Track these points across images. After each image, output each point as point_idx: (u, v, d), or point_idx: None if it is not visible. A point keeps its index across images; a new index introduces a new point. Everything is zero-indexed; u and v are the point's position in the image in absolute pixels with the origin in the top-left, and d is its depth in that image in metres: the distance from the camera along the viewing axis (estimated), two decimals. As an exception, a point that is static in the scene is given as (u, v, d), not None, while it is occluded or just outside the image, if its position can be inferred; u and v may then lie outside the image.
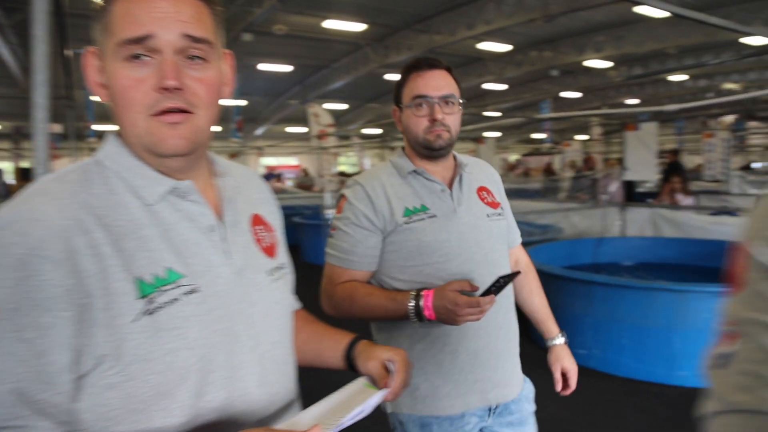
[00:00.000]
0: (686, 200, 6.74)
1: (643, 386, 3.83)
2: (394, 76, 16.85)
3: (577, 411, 3.40)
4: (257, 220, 0.97)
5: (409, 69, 1.56)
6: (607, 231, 6.61)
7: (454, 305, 1.31)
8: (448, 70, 1.56)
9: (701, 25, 11.71)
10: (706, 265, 5.05)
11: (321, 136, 9.46)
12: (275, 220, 1.04)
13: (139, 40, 0.75)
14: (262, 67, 14.78)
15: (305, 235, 9.04)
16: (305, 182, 14.80)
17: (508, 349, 1.58)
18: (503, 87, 19.37)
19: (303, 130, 24.02)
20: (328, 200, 7.89)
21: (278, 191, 12.07)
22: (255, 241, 0.93)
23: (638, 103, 20.14)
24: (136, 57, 0.76)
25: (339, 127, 21.06)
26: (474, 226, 1.53)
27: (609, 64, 15.69)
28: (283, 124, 24.02)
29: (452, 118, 1.52)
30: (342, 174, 17.41)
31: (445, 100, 1.52)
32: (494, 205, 1.61)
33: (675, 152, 10.75)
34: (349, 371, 1.06)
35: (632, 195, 7.42)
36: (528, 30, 12.79)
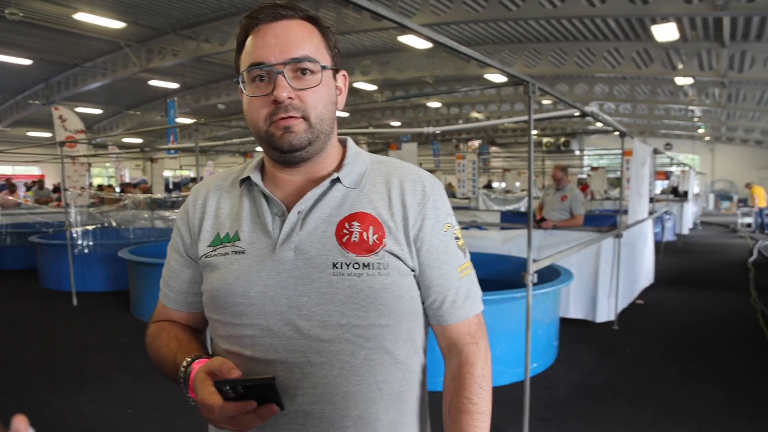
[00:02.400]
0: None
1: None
2: (158, 82, 15.74)
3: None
4: None
5: (246, 23, 0.98)
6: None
7: (197, 397, 0.87)
8: (310, 19, 0.99)
9: (454, 59, 13.20)
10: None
11: (68, 143, 8.31)
12: None
13: None
14: (-7, 57, 12.52)
15: (45, 258, 7.78)
16: (41, 196, 12.89)
17: None
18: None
19: (47, 135, 21.13)
20: (74, 217, 6.90)
21: (10, 206, 10.25)
22: None
23: (400, 125, 21.84)
24: None
25: (92, 134, 18.96)
26: (298, 279, 0.94)
27: (374, 87, 16.68)
28: (23, 127, 20.79)
29: (312, 95, 0.95)
30: (99, 187, 15.59)
31: (297, 66, 0.94)
32: (365, 248, 0.95)
33: (431, 171, 11.86)
34: None
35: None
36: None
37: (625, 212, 6.16)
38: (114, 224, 8.40)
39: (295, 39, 0.95)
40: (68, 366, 4.56)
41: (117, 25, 10.75)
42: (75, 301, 6.62)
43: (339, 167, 1.02)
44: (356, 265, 0.94)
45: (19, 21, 9.31)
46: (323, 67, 0.97)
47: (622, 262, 5.59)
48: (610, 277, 5.55)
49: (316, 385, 0.93)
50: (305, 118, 0.95)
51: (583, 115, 3.98)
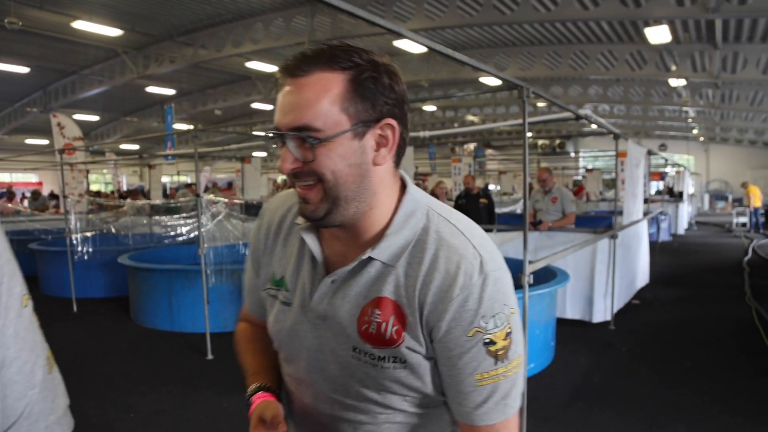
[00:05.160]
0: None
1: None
2: (155, 89, 15.79)
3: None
4: None
5: (279, 77, 0.91)
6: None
7: None
8: (342, 68, 0.86)
9: (449, 63, 13.28)
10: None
11: (66, 150, 8.35)
12: None
13: None
14: (-9, 65, 12.54)
15: (45, 265, 7.80)
16: (37, 206, 12.91)
17: None
18: (270, 107, 19.42)
19: (45, 142, 21.15)
20: (74, 224, 6.94)
21: (9, 213, 10.28)
22: None
23: (396, 129, 21.85)
24: None
25: (90, 141, 18.97)
26: (327, 347, 0.96)
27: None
28: (21, 134, 20.80)
29: (323, 159, 0.86)
30: (97, 194, 15.61)
31: (298, 136, 0.86)
32: (381, 341, 0.91)
33: (427, 175, 11.94)
34: None
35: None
36: (294, 53, 13.01)
37: (620, 213, 6.23)
38: (113, 230, 8.43)
39: (299, 102, 0.85)
40: (71, 372, 4.57)
41: (114, 32, 10.80)
42: (75, 308, 6.65)
43: (381, 236, 0.93)
44: (371, 356, 0.92)
45: (17, 30, 9.36)
46: (317, 139, 0.85)
47: (618, 263, 5.65)
48: (605, 278, 5.62)
49: None
50: (321, 182, 0.88)
51: (578, 117, 4.05)
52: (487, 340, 0.89)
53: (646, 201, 8.52)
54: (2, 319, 0.68)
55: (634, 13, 8.68)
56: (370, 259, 0.92)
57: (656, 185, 20.79)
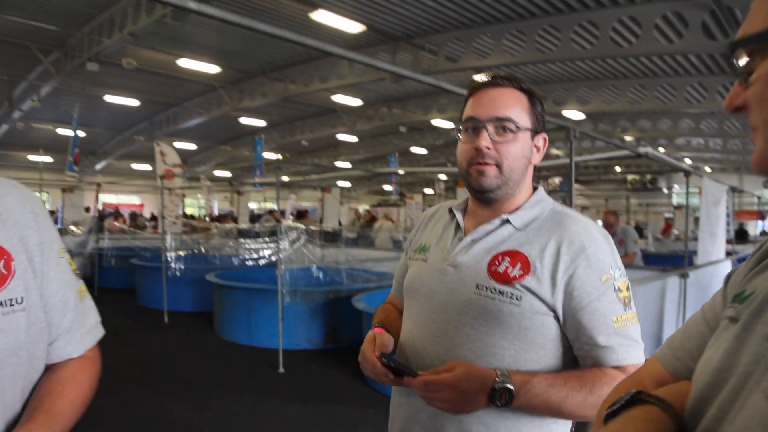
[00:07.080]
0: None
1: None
2: (248, 120, 16.87)
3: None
4: None
5: (472, 86, 1.24)
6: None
7: (363, 345, 1.23)
8: (523, 89, 1.21)
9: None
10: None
11: (167, 175, 9.17)
12: (13, 244, 0.89)
13: None
14: (109, 99, 13.98)
15: (143, 279, 8.56)
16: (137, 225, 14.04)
17: None
18: (355, 139, 20.11)
19: (148, 168, 22.94)
20: (170, 242, 7.62)
21: (116, 231, 11.33)
22: None
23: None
24: None
25: (187, 168, 20.44)
26: (451, 290, 1.18)
27: (452, 124, 17.04)
28: (128, 160, 22.71)
29: (507, 148, 1.17)
30: (191, 217, 16.78)
31: (499, 124, 1.17)
32: (505, 279, 1.12)
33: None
34: None
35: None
36: (378, 87, 13.57)
37: (695, 253, 6.07)
38: (203, 251, 9.11)
39: (503, 103, 1.18)
40: (160, 374, 5.10)
41: (213, 69, 11.80)
42: (166, 319, 7.27)
43: (517, 209, 1.22)
44: (493, 290, 1.12)
45: (132, 69, 10.45)
46: (517, 127, 1.17)
47: (690, 304, 5.51)
48: (675, 318, 5.49)
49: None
50: (498, 166, 1.17)
51: (638, 156, 4.10)
52: (616, 287, 1.12)
53: (729, 241, 8.16)
54: (46, 266, 0.93)
55: (722, 46, 8.45)
56: (507, 222, 1.20)
57: (763, 225, 19.55)
